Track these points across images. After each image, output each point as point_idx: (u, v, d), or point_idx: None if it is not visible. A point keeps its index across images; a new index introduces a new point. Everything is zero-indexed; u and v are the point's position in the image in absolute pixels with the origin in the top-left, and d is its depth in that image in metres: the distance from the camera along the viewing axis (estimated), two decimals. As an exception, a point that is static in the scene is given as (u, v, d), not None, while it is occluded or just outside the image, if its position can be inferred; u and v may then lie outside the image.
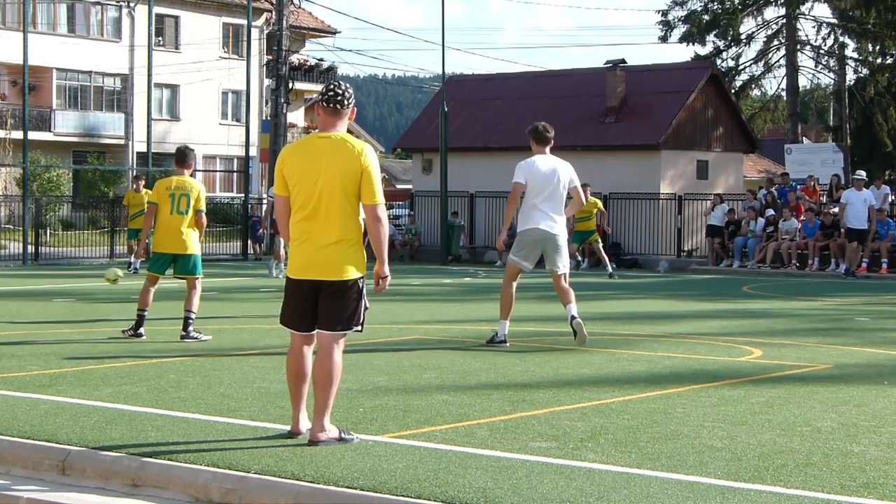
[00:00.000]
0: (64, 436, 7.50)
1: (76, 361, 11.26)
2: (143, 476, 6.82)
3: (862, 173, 29.25)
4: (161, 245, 13.53)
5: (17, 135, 44.98)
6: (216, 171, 59.34)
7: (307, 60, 65.69)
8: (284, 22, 40.28)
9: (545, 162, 13.22)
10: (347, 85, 7.59)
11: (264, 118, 53.46)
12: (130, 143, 56.93)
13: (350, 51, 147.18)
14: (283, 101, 40.45)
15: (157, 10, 49.09)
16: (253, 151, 43.53)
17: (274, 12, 42.01)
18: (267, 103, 51.97)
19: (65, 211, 43.93)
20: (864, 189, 28.29)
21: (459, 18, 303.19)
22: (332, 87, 7.52)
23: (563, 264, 13.03)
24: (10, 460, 7.29)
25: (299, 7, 50.85)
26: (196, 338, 13.10)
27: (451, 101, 37.37)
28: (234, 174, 57.63)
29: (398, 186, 73.76)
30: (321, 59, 67.07)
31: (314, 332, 7.52)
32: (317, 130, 7.59)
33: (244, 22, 42.97)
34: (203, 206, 13.52)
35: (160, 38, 56.43)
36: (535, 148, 13.37)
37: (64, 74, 55.63)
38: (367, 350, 12.38)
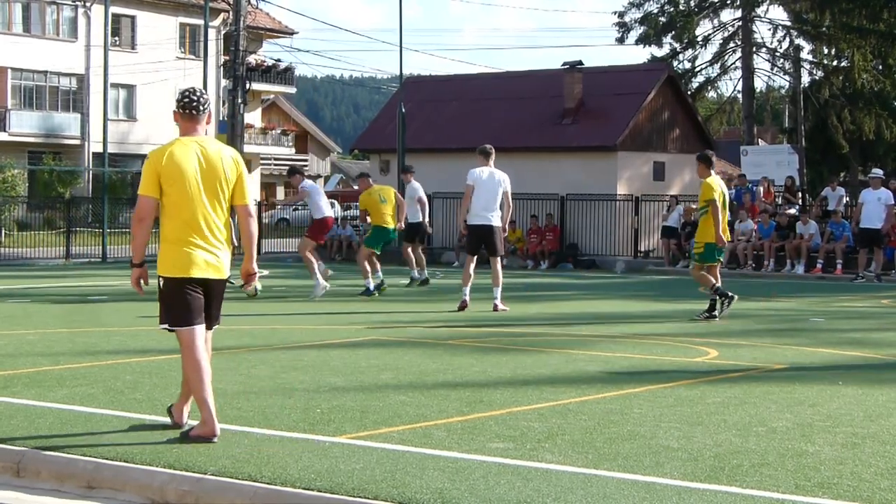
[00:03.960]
0: (19, 438, 7.45)
1: (31, 362, 11.18)
2: (99, 478, 6.78)
3: (879, 172, 28.46)
4: None
5: (-28, 135, 44.64)
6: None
7: (264, 61, 65.49)
8: (241, 22, 40.12)
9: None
10: (203, 91, 7.91)
11: (221, 119, 53.18)
12: (87, 143, 56.57)
13: (307, 51, 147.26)
14: (240, 101, 40.25)
15: (114, 9, 48.81)
16: (210, 152, 43.31)
17: (231, 13, 41.86)
18: (224, 104, 51.72)
19: (20, 212, 43.59)
20: (882, 188, 27.34)
21: (418, 19, 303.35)
22: (187, 92, 7.86)
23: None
24: (-36, 463, 7.23)
25: (256, 8, 50.68)
26: None
27: (408, 103, 37.36)
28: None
29: (355, 187, 73.51)
30: (278, 60, 66.94)
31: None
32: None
33: (201, 22, 42.82)
34: None
35: (116, 38, 56.13)
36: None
37: (19, 74, 55.25)
38: (323, 351, 12.37)
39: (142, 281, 7.80)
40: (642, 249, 34.11)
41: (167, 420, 8.03)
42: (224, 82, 52.14)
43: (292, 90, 71.44)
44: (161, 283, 7.68)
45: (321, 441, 7.49)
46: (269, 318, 16.26)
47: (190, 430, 7.60)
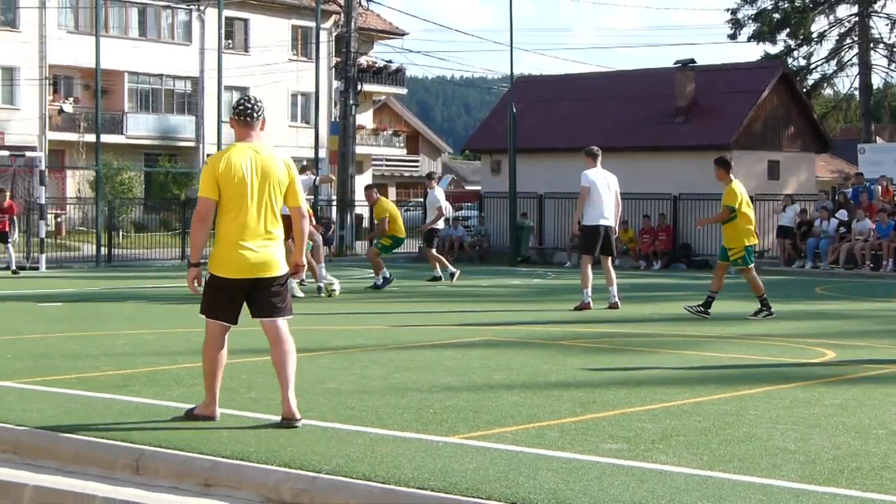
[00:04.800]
0: (138, 436, 7.57)
1: (148, 362, 11.36)
2: (216, 476, 6.86)
3: None
4: None
5: (90, 138, 45.56)
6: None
7: (376, 62, 65.89)
8: (353, 24, 40.47)
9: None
10: (258, 99, 8.41)
11: (333, 120, 53.73)
12: (201, 145, 57.42)
13: (418, 52, 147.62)
14: (351, 102, 40.64)
15: (227, 13, 49.47)
16: (322, 153, 43.76)
17: (342, 14, 42.21)
18: (336, 105, 52.18)
19: (137, 213, 44.39)
20: None
21: (530, 19, 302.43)
22: (242, 100, 8.33)
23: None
24: (86, 460, 7.37)
25: (367, 9, 51.08)
26: None
27: (519, 103, 37.28)
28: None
29: (467, 188, 73.74)
30: (389, 61, 67.30)
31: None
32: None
33: (313, 24, 43.16)
34: None
35: (230, 41, 56.84)
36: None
37: (135, 78, 56.23)
38: (436, 351, 12.40)
39: (196, 282, 8.20)
40: (757, 249, 33.64)
41: (280, 418, 8.11)
42: (336, 84, 52.58)
43: (403, 91, 71.78)
44: (208, 277, 8.15)
45: (434, 441, 7.50)
46: (381, 318, 16.33)
47: (194, 409, 8.29)
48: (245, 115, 8.23)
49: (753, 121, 35.84)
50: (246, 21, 59.52)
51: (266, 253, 8.04)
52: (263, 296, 8.11)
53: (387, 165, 73.31)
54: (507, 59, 35.86)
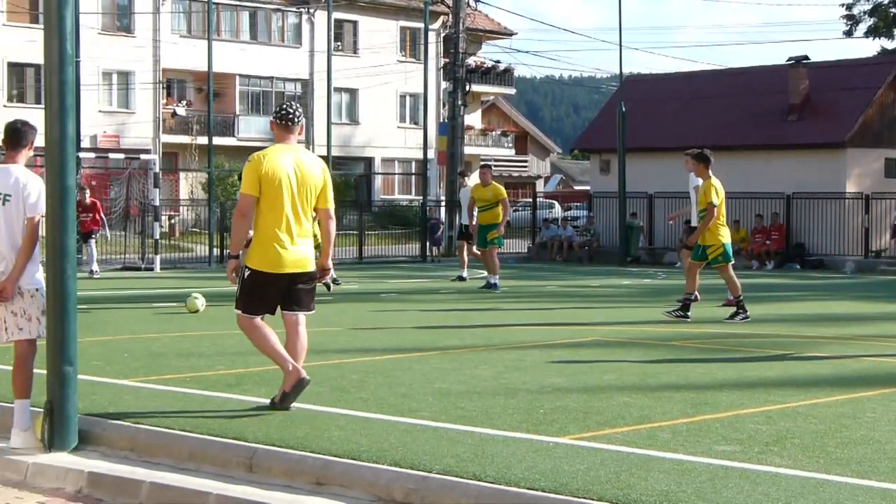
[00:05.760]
0: (250, 434, 7.65)
1: (261, 361, 11.45)
2: (328, 475, 6.91)
3: None
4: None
5: (203, 140, 46.22)
6: (394, 173, 60.02)
7: (484, 62, 65.98)
8: (461, 25, 40.55)
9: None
10: (298, 105, 8.94)
11: (441, 121, 53.84)
12: (311, 146, 57.88)
13: (527, 52, 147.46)
14: (459, 103, 40.74)
15: (336, 15, 49.83)
16: (431, 154, 43.88)
17: (450, 15, 42.32)
18: (444, 106, 52.32)
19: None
20: None
21: (639, 17, 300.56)
22: (284, 106, 8.76)
23: None
24: (200, 458, 7.47)
25: (475, 10, 51.10)
26: None
27: (628, 101, 37.01)
28: (412, 177, 58.15)
29: (576, 188, 73.50)
30: (498, 61, 67.34)
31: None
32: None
33: (421, 25, 43.32)
34: None
35: (339, 43, 57.27)
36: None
37: (246, 80, 56.91)
38: (546, 351, 12.36)
39: (234, 273, 8.65)
40: (873, 249, 33.10)
41: (390, 418, 8.14)
42: (444, 84, 52.71)
43: (512, 91, 71.78)
44: (245, 273, 8.57)
45: (544, 441, 7.47)
46: (490, 318, 16.32)
47: (284, 394, 8.50)
48: (287, 119, 8.68)
49: (869, 118, 35.18)
50: (355, 23, 59.94)
51: (302, 250, 8.53)
52: (296, 291, 8.60)
53: (495, 166, 73.30)
54: (616, 57, 35.75)
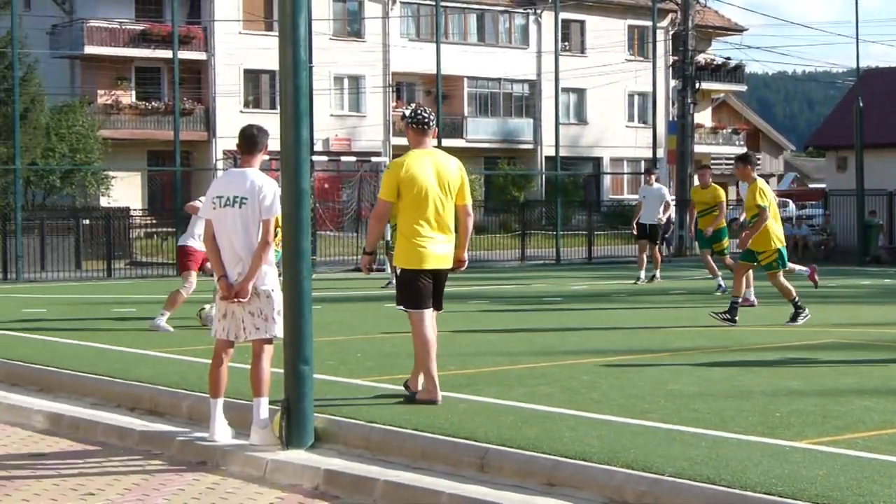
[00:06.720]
0: (482, 434, 7.68)
1: (492, 361, 11.53)
2: (559, 475, 6.89)
3: None
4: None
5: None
6: (624, 173, 59.61)
7: (713, 60, 64.98)
8: (690, 22, 39.99)
9: None
10: (430, 109, 9.37)
11: (671, 119, 53.23)
12: (539, 147, 58.08)
13: (758, 48, 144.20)
14: (689, 101, 40.16)
15: (563, 15, 49.79)
16: (660, 153, 43.45)
17: (679, 13, 41.81)
18: (673, 104, 51.70)
19: (477, 216, 45.25)
20: None
21: (876, 9, 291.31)
22: (419, 111, 9.18)
23: None
24: (432, 457, 7.55)
25: (705, 6, 50.38)
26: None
27: (865, 96, 35.86)
28: (642, 176, 57.62)
29: (810, 186, 71.69)
30: (728, 58, 66.24)
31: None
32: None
33: (649, 23, 42.92)
34: None
35: (566, 43, 57.23)
36: None
37: (474, 82, 57.40)
38: (781, 353, 12.08)
39: (368, 267, 9.29)
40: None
41: (621, 419, 8.06)
42: (673, 83, 52.08)
43: (742, 88, 70.51)
44: (398, 272, 9.13)
45: (780, 445, 7.30)
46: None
47: (416, 395, 9.00)
48: (422, 123, 9.12)
49: None
50: (582, 23, 59.79)
51: (445, 248, 9.02)
52: (437, 287, 9.10)
53: (726, 164, 72.09)
54: (853, 51, 34.78)
